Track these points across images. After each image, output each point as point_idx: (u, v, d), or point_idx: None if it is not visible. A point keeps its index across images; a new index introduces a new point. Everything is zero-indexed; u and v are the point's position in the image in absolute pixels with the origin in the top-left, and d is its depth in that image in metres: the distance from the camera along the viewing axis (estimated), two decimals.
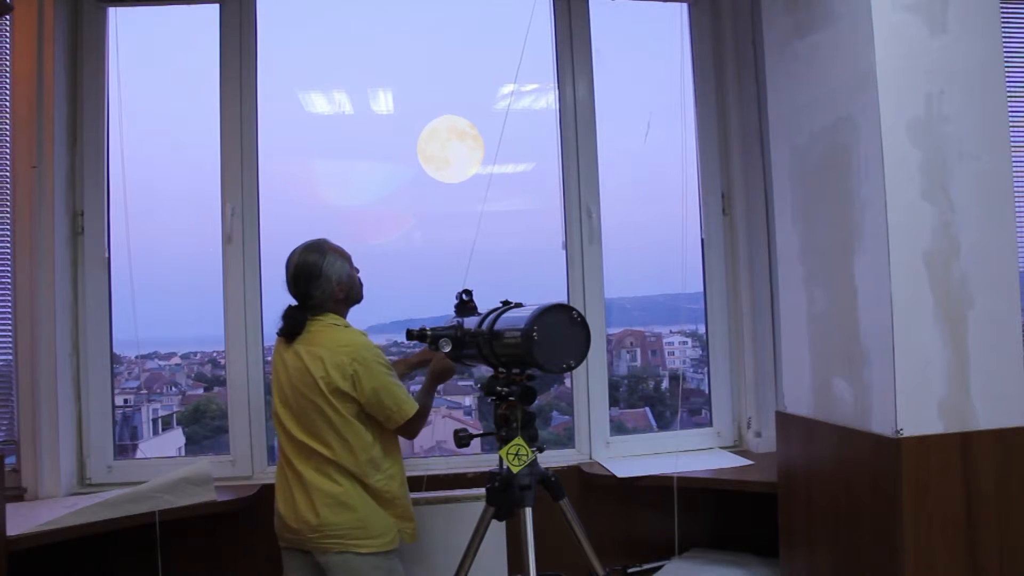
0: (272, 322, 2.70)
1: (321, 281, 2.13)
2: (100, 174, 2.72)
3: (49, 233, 2.55)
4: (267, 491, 2.55)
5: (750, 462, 2.70)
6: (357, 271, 2.24)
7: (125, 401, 2.98)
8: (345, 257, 2.20)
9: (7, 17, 2.51)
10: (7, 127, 2.58)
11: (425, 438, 3.13)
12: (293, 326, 2.13)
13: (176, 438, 3.13)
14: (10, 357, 2.58)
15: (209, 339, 3.10)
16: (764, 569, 2.50)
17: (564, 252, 2.86)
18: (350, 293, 2.20)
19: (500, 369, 1.98)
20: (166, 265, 2.90)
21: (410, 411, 2.07)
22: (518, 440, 1.90)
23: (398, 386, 2.08)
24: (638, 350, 3.45)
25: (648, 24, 3.16)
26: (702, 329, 3.05)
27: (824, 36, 2.06)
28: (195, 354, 3.35)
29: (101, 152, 2.73)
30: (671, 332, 3.44)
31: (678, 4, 3.05)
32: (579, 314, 1.79)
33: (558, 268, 2.86)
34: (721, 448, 2.93)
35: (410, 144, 2.82)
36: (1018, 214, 1.99)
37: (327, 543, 2.03)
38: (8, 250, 2.57)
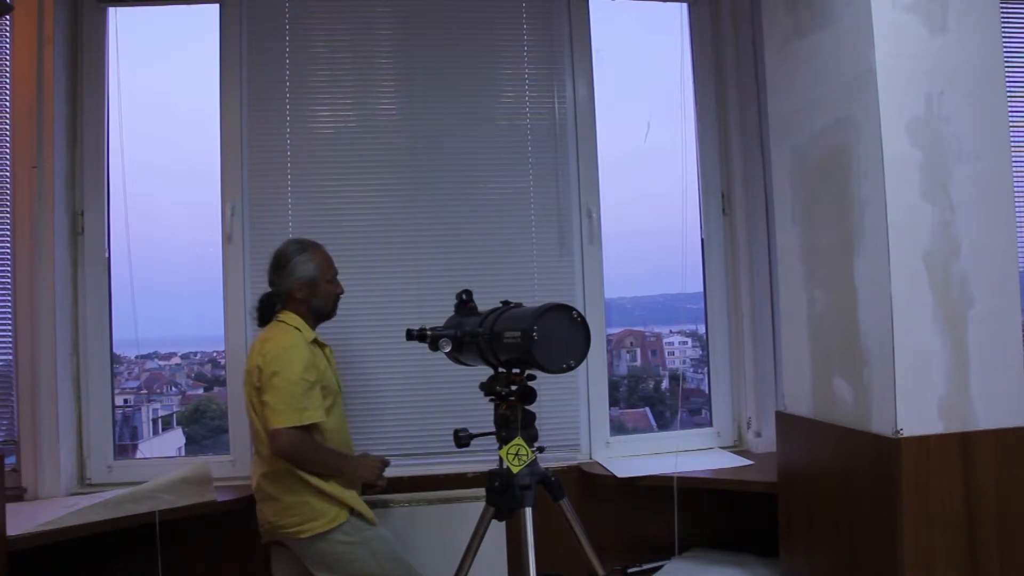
0: None
1: (284, 273, 2.20)
2: (100, 174, 2.73)
3: (49, 233, 2.55)
4: None
5: (750, 462, 2.70)
6: (336, 287, 2.26)
7: (125, 401, 2.97)
8: (323, 266, 2.23)
9: (7, 17, 2.51)
10: (7, 127, 2.58)
11: None
12: (262, 311, 2.26)
13: (176, 438, 3.13)
14: (10, 357, 2.58)
15: (209, 339, 3.10)
16: (764, 569, 2.50)
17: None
18: (311, 299, 2.21)
19: (500, 369, 1.98)
20: (166, 265, 2.91)
21: (281, 422, 2.04)
22: (518, 440, 1.90)
23: (287, 395, 2.04)
24: (638, 350, 3.45)
25: (648, 24, 3.16)
26: (702, 329, 3.05)
27: (824, 36, 2.06)
28: (195, 354, 3.35)
29: (101, 152, 2.73)
30: (671, 332, 3.44)
31: (678, 4, 3.05)
32: (579, 314, 1.79)
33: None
34: (721, 448, 2.93)
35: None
36: (1018, 214, 1.99)
37: (284, 533, 2.14)
38: (8, 250, 2.57)
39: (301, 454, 2.08)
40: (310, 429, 2.10)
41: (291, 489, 2.11)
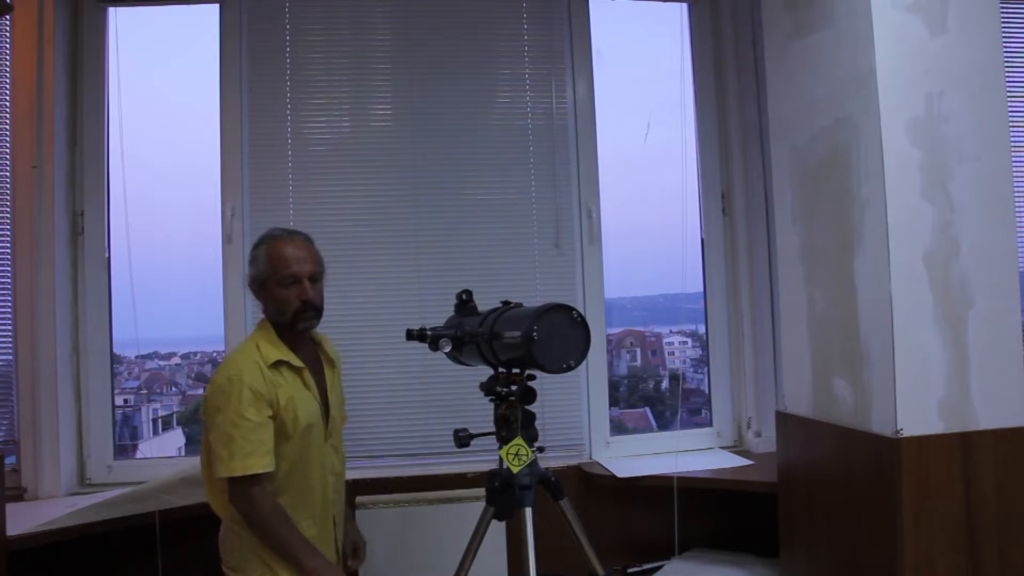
0: None
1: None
2: (100, 174, 2.73)
3: (49, 233, 2.55)
4: None
5: (750, 462, 2.70)
6: (294, 293, 1.81)
7: (125, 401, 2.97)
8: (273, 264, 1.81)
9: (7, 17, 2.51)
10: (7, 127, 2.58)
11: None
12: None
13: (176, 438, 3.13)
14: (10, 357, 2.58)
15: (209, 339, 3.10)
16: (764, 569, 2.50)
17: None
18: (266, 305, 1.85)
19: (500, 369, 1.98)
20: (166, 265, 2.91)
21: (221, 471, 1.70)
22: (518, 440, 1.89)
23: (228, 439, 1.70)
24: (638, 350, 3.45)
25: (648, 24, 3.16)
26: (702, 329, 3.05)
27: (824, 36, 2.06)
28: (195, 354, 3.35)
29: (101, 152, 2.73)
30: (671, 332, 3.44)
31: (678, 4, 3.05)
32: (579, 314, 1.79)
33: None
34: (721, 448, 2.93)
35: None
36: (1018, 214, 1.99)
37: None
38: (8, 250, 2.57)
39: (258, 519, 1.72)
40: (261, 479, 1.73)
41: (233, 525, 1.81)
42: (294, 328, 1.83)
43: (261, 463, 1.71)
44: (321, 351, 2.00)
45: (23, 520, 2.16)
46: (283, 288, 1.81)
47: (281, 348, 1.83)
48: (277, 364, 1.80)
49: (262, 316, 1.90)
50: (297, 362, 1.84)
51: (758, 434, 2.88)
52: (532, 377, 1.94)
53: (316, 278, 1.87)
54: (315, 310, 1.86)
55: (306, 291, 1.82)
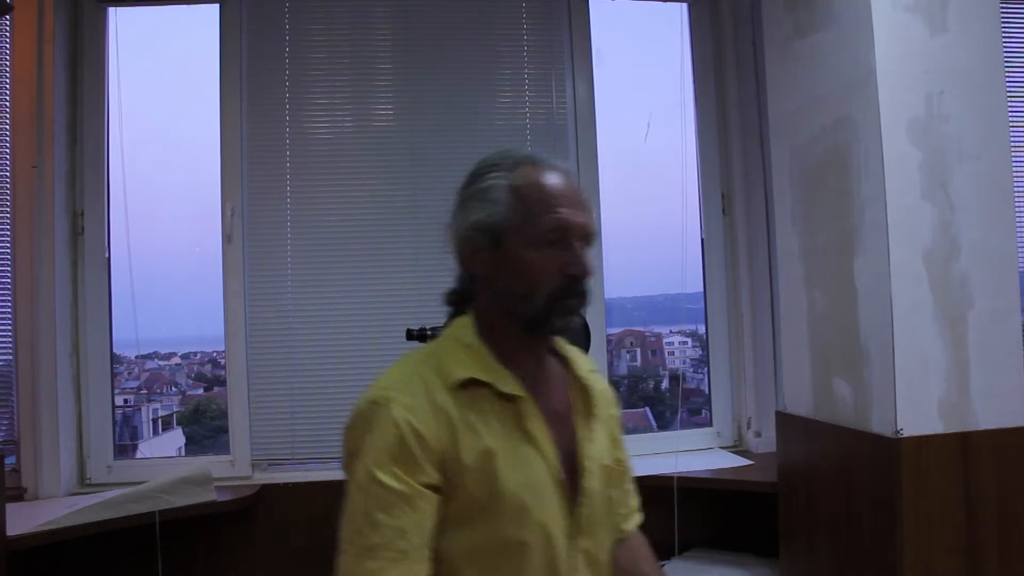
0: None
1: (457, 212, 1.14)
2: (100, 174, 2.72)
3: (49, 233, 2.55)
4: (266, 491, 2.56)
5: (750, 462, 2.70)
6: (547, 241, 1.04)
7: (125, 401, 2.97)
8: (527, 203, 1.04)
9: (7, 17, 2.51)
10: (7, 127, 2.58)
11: None
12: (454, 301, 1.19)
13: (176, 438, 3.13)
14: (10, 357, 2.58)
15: (209, 339, 3.10)
16: (764, 569, 2.50)
17: None
18: (495, 279, 1.09)
19: None
20: (166, 265, 2.91)
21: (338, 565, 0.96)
22: None
23: (350, 514, 0.97)
24: (638, 350, 3.45)
25: (648, 24, 3.16)
26: (702, 329, 3.05)
27: (824, 36, 2.06)
28: (195, 354, 3.35)
29: (101, 152, 2.73)
30: (671, 332, 3.44)
31: (678, 4, 3.05)
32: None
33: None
34: (721, 448, 2.93)
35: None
36: (1018, 214, 1.99)
37: None
38: (8, 250, 2.57)
39: None
40: None
41: None
42: (545, 324, 1.05)
43: (391, 571, 0.93)
44: (572, 374, 1.16)
45: (23, 520, 2.16)
46: (537, 249, 1.03)
47: (480, 358, 1.06)
48: (468, 386, 1.03)
49: (470, 309, 1.15)
50: (510, 386, 1.04)
51: (758, 434, 2.88)
52: None
53: (591, 242, 1.09)
54: (583, 296, 1.08)
55: (578, 259, 1.05)
